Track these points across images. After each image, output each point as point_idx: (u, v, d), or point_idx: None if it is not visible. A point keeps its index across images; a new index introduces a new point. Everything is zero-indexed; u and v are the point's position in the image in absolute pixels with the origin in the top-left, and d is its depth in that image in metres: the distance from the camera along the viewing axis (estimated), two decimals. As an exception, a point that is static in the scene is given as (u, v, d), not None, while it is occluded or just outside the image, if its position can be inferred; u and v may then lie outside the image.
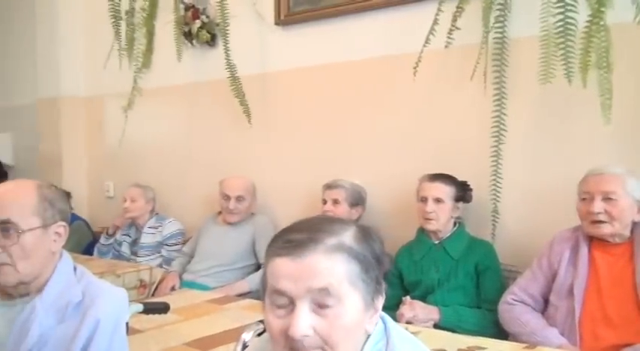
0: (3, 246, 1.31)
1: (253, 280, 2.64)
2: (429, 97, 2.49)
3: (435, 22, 2.27)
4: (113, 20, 3.23)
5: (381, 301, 0.91)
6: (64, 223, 1.43)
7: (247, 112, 2.95)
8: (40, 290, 1.35)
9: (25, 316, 1.30)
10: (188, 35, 3.20)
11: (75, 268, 1.44)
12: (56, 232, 1.40)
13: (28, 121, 4.08)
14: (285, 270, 0.83)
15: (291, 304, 0.83)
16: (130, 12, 3.32)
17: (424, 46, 2.28)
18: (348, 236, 0.87)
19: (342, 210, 2.54)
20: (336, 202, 2.56)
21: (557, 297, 1.88)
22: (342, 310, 0.83)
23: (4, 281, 1.33)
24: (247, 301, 2.23)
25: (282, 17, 2.90)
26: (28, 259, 1.33)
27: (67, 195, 3.08)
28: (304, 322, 0.81)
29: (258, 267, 2.78)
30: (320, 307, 0.82)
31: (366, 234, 0.91)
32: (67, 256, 1.44)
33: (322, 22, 2.78)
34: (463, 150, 2.40)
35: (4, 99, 4.39)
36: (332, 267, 0.83)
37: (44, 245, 1.37)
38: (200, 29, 3.15)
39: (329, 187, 2.60)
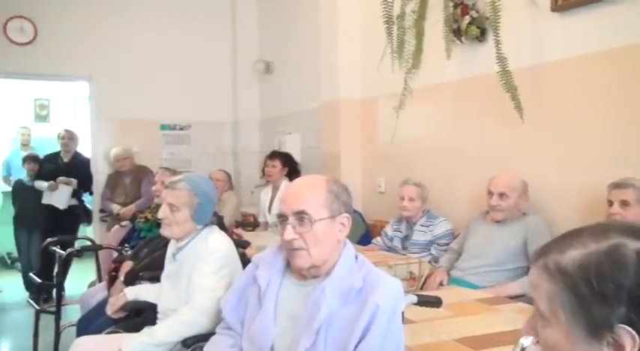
0: (299, 233, 1.50)
1: (525, 283, 2.50)
2: None
3: None
4: (386, 26, 3.41)
5: None
6: (347, 215, 1.57)
7: (519, 107, 2.80)
8: (328, 274, 1.51)
9: (316, 296, 1.47)
10: (457, 32, 3.19)
11: (356, 257, 1.57)
12: (341, 223, 1.55)
13: (312, 123, 4.60)
14: None
15: None
16: (401, 16, 3.45)
17: None
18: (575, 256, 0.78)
19: (634, 213, 2.22)
20: (625, 203, 2.25)
21: None
22: None
23: (300, 264, 1.52)
24: (520, 305, 2.13)
25: (559, 2, 2.67)
26: (319, 246, 1.50)
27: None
28: None
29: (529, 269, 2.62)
30: None
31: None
32: (350, 245, 1.58)
33: (607, 3, 2.48)
34: None
35: (294, 104, 5.04)
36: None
37: (332, 234, 1.53)
38: (469, 25, 3.11)
39: (617, 186, 2.30)
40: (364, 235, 3.75)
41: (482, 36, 3.10)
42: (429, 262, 3.04)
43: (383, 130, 3.93)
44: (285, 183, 4.13)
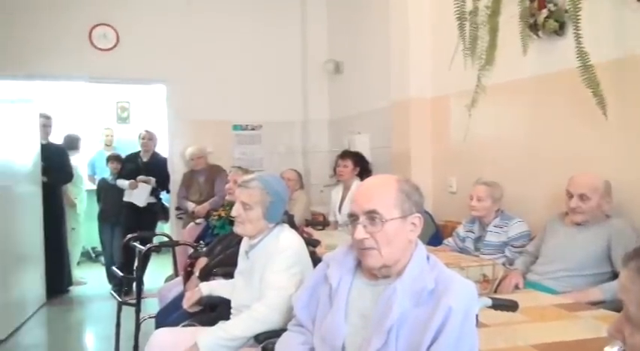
0: (370, 232, 1.50)
1: (609, 289, 2.36)
2: None
3: None
4: (458, 22, 3.33)
5: None
6: (419, 215, 1.55)
7: (602, 104, 2.65)
8: (399, 274, 1.50)
9: (387, 296, 1.46)
10: (533, 27, 3.08)
11: (428, 257, 1.55)
12: (412, 223, 1.54)
13: (382, 123, 4.58)
14: None
15: None
16: (474, 11, 3.36)
17: None
18: None
19: None
20: None
21: None
22: None
23: (371, 263, 1.52)
24: (601, 311, 2.02)
25: (647, -9, 2.52)
26: (390, 246, 1.49)
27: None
28: None
29: (614, 275, 2.48)
30: None
31: None
32: (422, 246, 1.57)
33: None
34: None
35: (364, 104, 5.03)
36: None
37: (403, 234, 1.51)
38: (547, 19, 2.99)
39: None
40: (434, 235, 3.69)
41: (560, 30, 2.97)
42: (503, 264, 2.94)
43: (455, 129, 3.85)
44: (356, 183, 4.13)
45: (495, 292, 2.68)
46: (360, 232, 1.50)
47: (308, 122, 5.91)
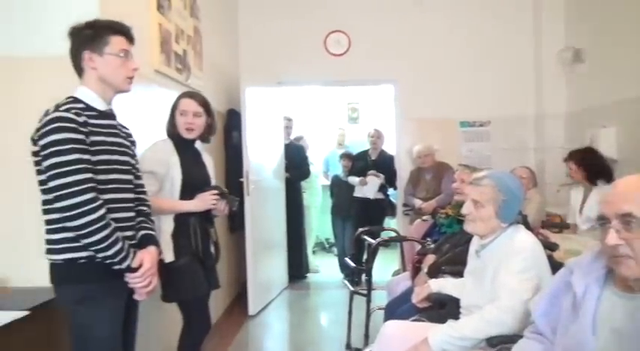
0: (625, 238, 1.34)
1: None
2: None
3: None
4: None
5: None
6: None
7: None
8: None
9: (646, 311, 1.29)
10: None
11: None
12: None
13: (634, 114, 4.03)
14: None
15: None
16: None
17: None
18: None
19: None
20: None
21: None
22: None
23: (626, 273, 1.35)
24: None
25: None
26: (651, 255, 1.31)
27: None
28: None
29: None
30: None
31: None
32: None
33: None
34: None
35: (610, 94, 4.48)
36: None
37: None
38: None
39: None
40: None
41: None
42: None
43: None
44: (600, 185, 3.70)
45: None
46: (613, 238, 1.34)
47: (542, 116, 5.51)
